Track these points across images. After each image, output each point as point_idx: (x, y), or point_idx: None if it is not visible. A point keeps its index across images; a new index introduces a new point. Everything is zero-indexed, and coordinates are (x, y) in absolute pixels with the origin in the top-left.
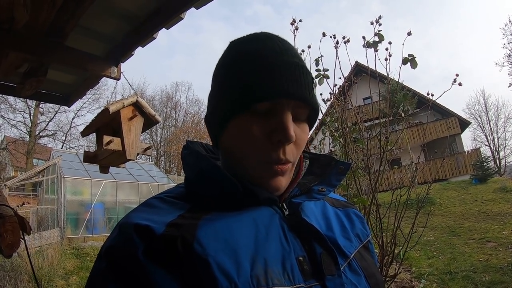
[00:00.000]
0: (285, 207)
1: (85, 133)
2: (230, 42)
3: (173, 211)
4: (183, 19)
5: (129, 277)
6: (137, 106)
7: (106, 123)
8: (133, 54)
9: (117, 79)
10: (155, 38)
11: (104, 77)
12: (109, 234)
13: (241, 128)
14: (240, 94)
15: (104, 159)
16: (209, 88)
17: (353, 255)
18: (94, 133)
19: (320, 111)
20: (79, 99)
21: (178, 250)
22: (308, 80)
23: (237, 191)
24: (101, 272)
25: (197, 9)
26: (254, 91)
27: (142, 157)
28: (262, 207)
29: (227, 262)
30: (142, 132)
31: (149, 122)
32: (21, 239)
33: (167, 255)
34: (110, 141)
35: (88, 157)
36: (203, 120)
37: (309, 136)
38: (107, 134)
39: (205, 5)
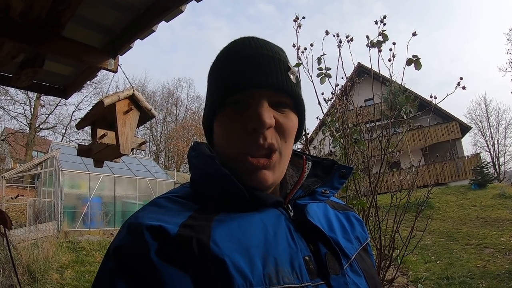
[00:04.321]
0: (290, 208)
1: (80, 125)
2: None
3: (182, 211)
4: (183, 12)
5: (139, 276)
6: (133, 100)
7: (102, 116)
8: (131, 47)
9: (114, 71)
10: (154, 31)
11: (103, 70)
12: (104, 228)
13: (221, 125)
14: (216, 92)
15: (98, 153)
16: None
17: (354, 256)
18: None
19: (320, 107)
20: (78, 92)
21: (194, 250)
22: (280, 68)
23: (245, 196)
24: (109, 271)
25: (197, 2)
26: (226, 86)
27: (141, 152)
28: (269, 208)
29: (241, 261)
30: (137, 127)
31: (145, 116)
32: (2, 234)
33: (182, 255)
34: (104, 135)
35: (82, 151)
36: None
37: (308, 132)
38: (102, 128)
39: None
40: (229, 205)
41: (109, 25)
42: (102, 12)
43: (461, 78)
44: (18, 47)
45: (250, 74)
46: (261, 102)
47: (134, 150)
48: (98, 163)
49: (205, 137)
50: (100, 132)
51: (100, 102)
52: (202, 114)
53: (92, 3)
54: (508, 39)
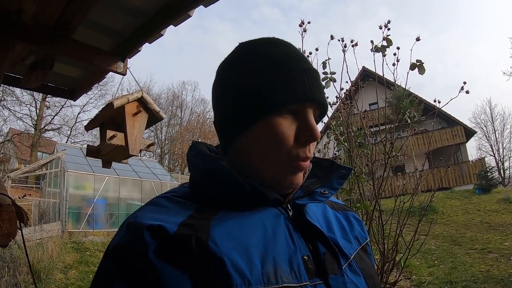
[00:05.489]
0: (289, 208)
1: (89, 127)
2: (241, 44)
3: (181, 211)
4: (191, 16)
5: (137, 276)
6: (141, 102)
7: (111, 118)
8: (140, 50)
9: (123, 74)
10: (162, 35)
11: (110, 73)
12: (109, 230)
13: (270, 128)
14: (271, 96)
15: (107, 154)
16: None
17: (353, 256)
18: (98, 128)
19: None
20: (85, 94)
21: (192, 248)
22: (322, 85)
23: (245, 192)
24: (107, 270)
25: (205, 7)
26: (287, 94)
27: (146, 154)
28: (268, 208)
29: (240, 261)
30: (146, 128)
31: (153, 118)
32: (18, 229)
33: (180, 254)
34: (114, 136)
35: (91, 151)
36: (212, 123)
37: None
38: (110, 129)
39: (213, 3)
40: (228, 203)
41: (119, 28)
42: (112, 15)
43: (464, 83)
44: (28, 49)
45: (309, 87)
46: (312, 115)
47: (140, 152)
48: (107, 164)
49: (221, 136)
50: (109, 133)
51: (110, 104)
52: (210, 114)
53: (102, 7)
54: None
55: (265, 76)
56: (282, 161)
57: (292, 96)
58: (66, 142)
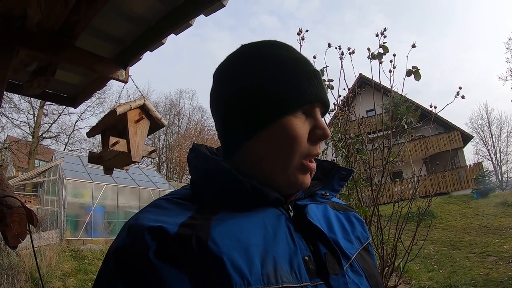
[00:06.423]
0: (291, 209)
1: (91, 133)
2: (244, 46)
3: (182, 212)
4: (192, 25)
5: (138, 277)
6: (144, 109)
7: (112, 125)
8: (141, 58)
9: (125, 82)
10: (163, 43)
11: (110, 80)
12: (107, 238)
13: (285, 129)
14: (286, 98)
15: (109, 160)
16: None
17: (354, 256)
18: (99, 135)
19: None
20: (85, 101)
21: (193, 248)
22: (324, 85)
23: (246, 191)
24: (109, 272)
25: (206, 16)
26: (300, 95)
27: (144, 162)
28: (269, 208)
29: (240, 260)
30: (148, 135)
31: (155, 125)
32: (27, 232)
33: (180, 254)
34: (116, 142)
35: (93, 158)
36: (209, 131)
37: None
38: (112, 136)
39: (214, 12)
40: (229, 204)
41: (121, 36)
42: (115, 23)
43: (460, 88)
44: (32, 56)
45: (319, 89)
46: (320, 115)
47: (142, 158)
48: (108, 171)
49: (226, 141)
50: (112, 139)
51: (113, 111)
52: (207, 123)
53: (106, 14)
54: (507, 48)
55: (277, 79)
56: (296, 161)
57: (305, 98)
58: (64, 150)
